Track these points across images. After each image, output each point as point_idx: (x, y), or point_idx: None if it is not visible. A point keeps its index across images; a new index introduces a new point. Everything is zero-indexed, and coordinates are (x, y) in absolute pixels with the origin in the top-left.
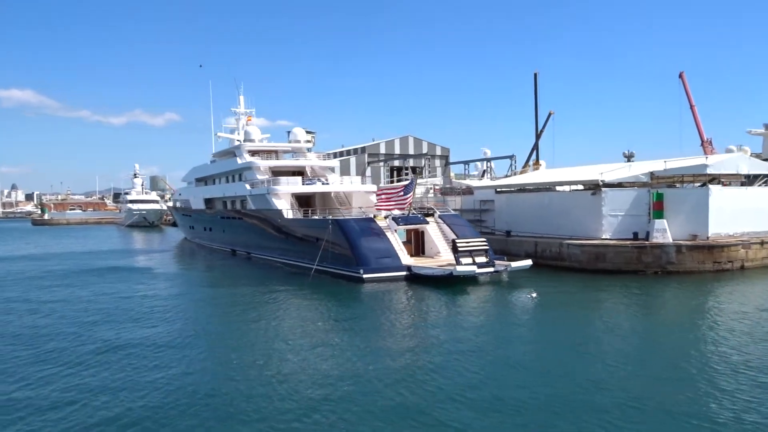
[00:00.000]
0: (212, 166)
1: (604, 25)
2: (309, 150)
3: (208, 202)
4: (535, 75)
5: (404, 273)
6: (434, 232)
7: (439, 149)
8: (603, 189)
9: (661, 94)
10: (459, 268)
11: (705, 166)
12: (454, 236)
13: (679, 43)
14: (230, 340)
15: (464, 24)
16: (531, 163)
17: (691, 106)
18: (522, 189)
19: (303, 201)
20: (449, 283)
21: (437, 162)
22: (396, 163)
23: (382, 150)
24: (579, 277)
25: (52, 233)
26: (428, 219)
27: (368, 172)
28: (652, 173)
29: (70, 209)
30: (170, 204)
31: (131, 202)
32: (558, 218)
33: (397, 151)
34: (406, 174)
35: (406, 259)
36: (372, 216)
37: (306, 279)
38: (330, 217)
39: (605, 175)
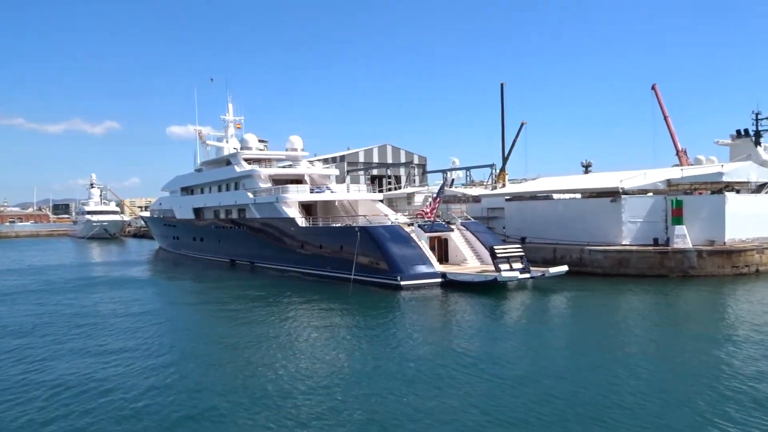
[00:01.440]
0: (201, 175)
1: (576, 29)
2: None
3: (197, 211)
4: (502, 86)
5: (439, 280)
6: (458, 239)
7: (417, 158)
8: (623, 196)
9: (634, 103)
10: (504, 274)
11: (720, 174)
12: (479, 243)
13: (651, 50)
14: (309, 354)
15: (435, 29)
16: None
17: (665, 117)
18: (533, 197)
19: (306, 209)
20: (484, 290)
21: (415, 171)
22: (375, 171)
23: (361, 159)
24: (605, 281)
25: (6, 246)
26: (452, 226)
27: (347, 180)
28: (668, 181)
29: (9, 222)
30: (144, 214)
31: (89, 213)
32: (575, 225)
33: (376, 159)
34: (389, 183)
35: (437, 266)
36: (395, 223)
37: (335, 287)
38: (355, 224)
39: (624, 183)
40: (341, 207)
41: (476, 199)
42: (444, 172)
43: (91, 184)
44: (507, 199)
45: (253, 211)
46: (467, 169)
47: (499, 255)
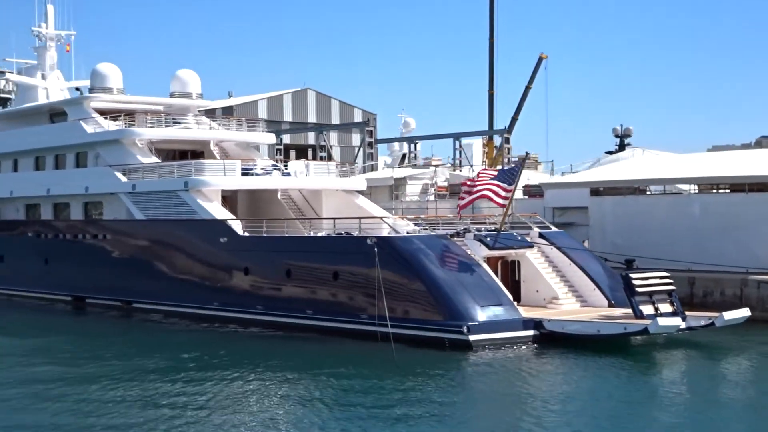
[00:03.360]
0: None
1: None
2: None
3: None
4: None
5: (531, 332)
6: (538, 261)
7: (360, 114)
8: None
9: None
10: (661, 322)
11: None
12: (574, 268)
13: None
14: None
15: None
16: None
17: None
18: (638, 189)
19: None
20: (603, 349)
21: (356, 138)
22: (288, 138)
23: (261, 114)
24: None
25: None
26: (528, 238)
27: None
28: None
29: None
30: None
31: None
32: (727, 238)
33: (289, 116)
34: (323, 158)
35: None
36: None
37: (328, 345)
38: (367, 234)
39: None
40: (287, 202)
41: (531, 191)
42: (411, 141)
43: None
44: (593, 193)
45: (128, 206)
46: (458, 136)
47: (639, 289)
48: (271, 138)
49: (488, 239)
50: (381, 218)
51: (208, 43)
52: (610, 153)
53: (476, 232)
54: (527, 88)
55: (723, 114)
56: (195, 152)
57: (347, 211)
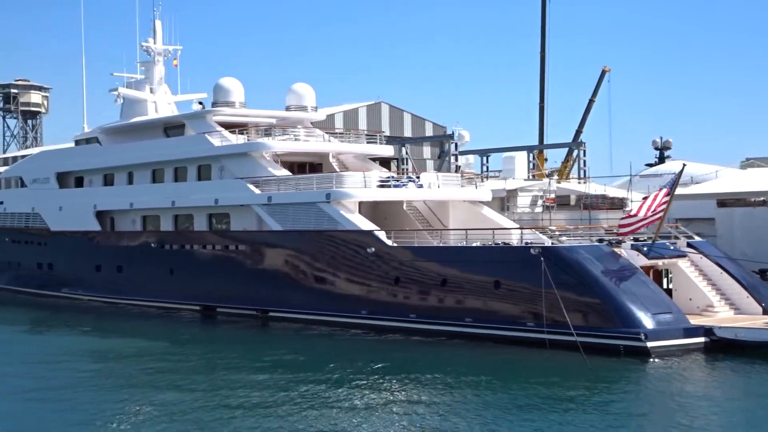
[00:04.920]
0: (106, 151)
1: None
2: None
3: (102, 216)
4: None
5: (702, 339)
6: (689, 270)
7: (431, 127)
8: None
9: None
10: None
11: None
12: (726, 276)
13: None
14: None
15: None
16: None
17: None
18: (765, 201)
19: None
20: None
21: (426, 151)
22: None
23: (339, 126)
24: None
25: None
26: (684, 249)
27: None
28: None
29: None
30: None
31: None
32: None
33: (363, 126)
34: (404, 169)
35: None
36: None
37: (493, 352)
38: (530, 244)
39: None
40: (413, 213)
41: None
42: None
43: None
44: (720, 204)
45: (263, 217)
46: (535, 149)
47: None
48: (390, 150)
49: (644, 248)
50: (541, 228)
51: (283, 57)
52: (650, 165)
53: (633, 242)
54: (591, 101)
55: (755, 127)
56: (313, 164)
57: (474, 221)
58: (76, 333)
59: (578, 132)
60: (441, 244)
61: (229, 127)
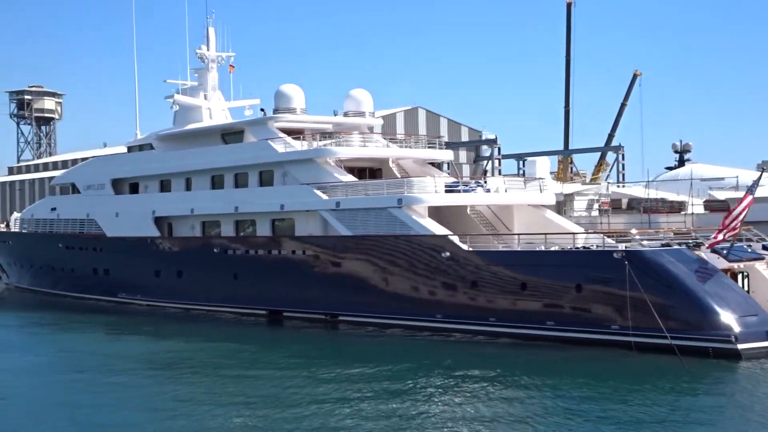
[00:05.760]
0: (164, 158)
1: None
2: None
3: (160, 222)
4: (569, 5)
5: None
6: (767, 272)
7: (466, 131)
8: None
9: None
10: None
11: None
12: None
13: None
14: None
15: None
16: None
17: None
18: None
19: None
20: None
21: (493, 152)
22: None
23: (377, 131)
24: None
25: None
26: (759, 251)
27: None
28: None
29: None
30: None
31: None
32: None
33: (400, 131)
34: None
35: None
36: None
37: (579, 357)
38: (614, 247)
39: None
40: (477, 217)
41: (713, 207)
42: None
43: None
44: None
45: (331, 222)
46: (561, 153)
47: None
48: (450, 155)
49: (723, 251)
50: (625, 233)
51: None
52: (670, 169)
53: (714, 245)
54: (623, 105)
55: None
56: (372, 169)
57: (538, 225)
58: (183, 339)
59: (611, 136)
60: (519, 249)
61: (288, 133)
